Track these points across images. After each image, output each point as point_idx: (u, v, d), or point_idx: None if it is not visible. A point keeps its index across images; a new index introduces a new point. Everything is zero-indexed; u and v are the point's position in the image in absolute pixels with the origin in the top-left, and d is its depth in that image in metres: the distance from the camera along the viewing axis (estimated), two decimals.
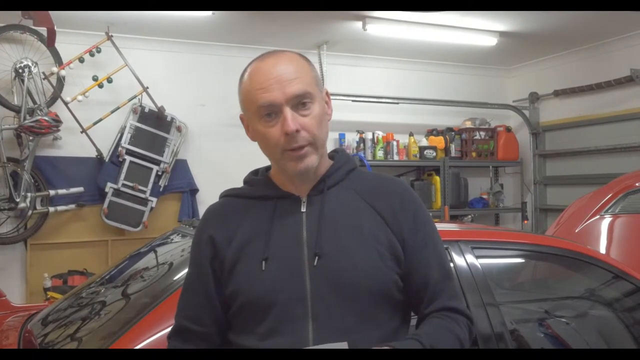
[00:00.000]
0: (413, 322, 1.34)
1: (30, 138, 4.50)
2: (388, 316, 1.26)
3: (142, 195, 4.90)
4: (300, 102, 1.23)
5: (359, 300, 1.22)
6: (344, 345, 1.15)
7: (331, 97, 1.36)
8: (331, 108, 1.34)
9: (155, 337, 1.65)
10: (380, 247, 1.25)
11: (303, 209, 1.29)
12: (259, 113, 1.24)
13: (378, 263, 1.24)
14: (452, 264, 1.95)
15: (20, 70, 4.53)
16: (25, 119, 4.42)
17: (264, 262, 1.24)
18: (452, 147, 6.09)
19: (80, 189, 4.79)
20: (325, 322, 1.20)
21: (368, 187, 1.34)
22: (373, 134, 5.74)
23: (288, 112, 1.21)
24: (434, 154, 5.91)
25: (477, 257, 2.04)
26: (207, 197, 5.13)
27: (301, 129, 1.22)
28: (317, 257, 1.23)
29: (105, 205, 4.78)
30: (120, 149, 4.84)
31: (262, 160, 1.41)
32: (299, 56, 1.31)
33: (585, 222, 3.71)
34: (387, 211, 1.30)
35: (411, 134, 5.92)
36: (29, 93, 4.53)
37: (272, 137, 1.24)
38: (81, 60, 4.71)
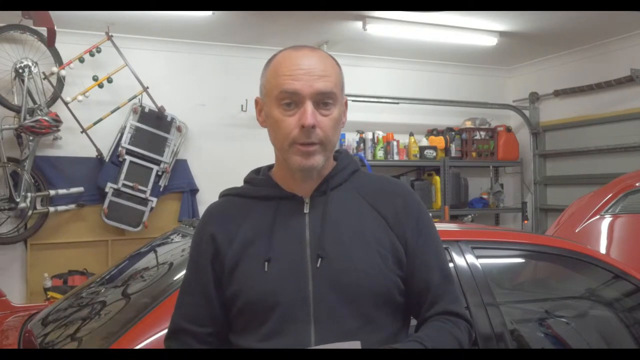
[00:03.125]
0: (412, 324, 1.34)
1: (31, 138, 4.50)
2: (389, 319, 1.25)
3: (142, 195, 4.90)
4: (323, 100, 1.23)
5: (360, 303, 1.22)
6: (356, 344, 1.14)
7: None
8: (346, 117, 1.34)
9: (156, 337, 1.65)
10: (383, 250, 1.25)
11: (306, 210, 1.28)
12: (279, 98, 1.23)
13: (380, 265, 1.24)
14: (452, 264, 1.95)
15: (20, 70, 4.53)
16: (25, 119, 4.42)
17: (266, 263, 1.23)
18: (453, 147, 6.09)
19: (81, 189, 4.79)
20: (327, 324, 1.20)
21: (371, 189, 1.33)
22: (373, 134, 5.74)
23: (309, 105, 1.21)
24: (434, 154, 5.91)
25: (477, 257, 2.04)
26: (207, 197, 5.13)
27: (317, 126, 1.22)
28: (319, 259, 1.22)
29: (106, 205, 4.78)
30: (120, 149, 4.84)
31: (263, 160, 1.40)
32: (332, 59, 1.31)
33: (586, 222, 3.70)
34: (389, 213, 1.29)
35: (411, 134, 5.92)
36: (29, 93, 4.54)
37: (286, 126, 1.23)
38: (81, 60, 4.72)
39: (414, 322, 1.34)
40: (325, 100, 1.23)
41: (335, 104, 1.25)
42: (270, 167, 1.39)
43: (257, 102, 1.33)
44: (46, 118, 4.40)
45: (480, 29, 5.12)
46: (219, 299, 1.29)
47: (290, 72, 1.22)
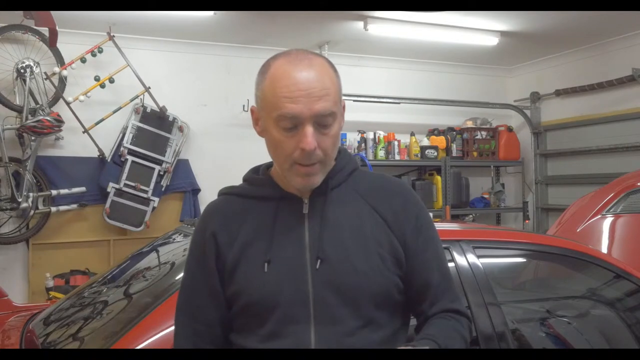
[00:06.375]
0: (412, 323, 1.35)
1: (33, 138, 4.51)
2: (388, 318, 1.26)
3: (144, 195, 4.91)
4: (323, 122, 1.19)
5: (360, 303, 1.22)
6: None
7: None
8: (344, 120, 1.30)
9: (157, 336, 1.66)
10: (382, 250, 1.25)
11: (305, 211, 1.28)
12: (278, 120, 1.19)
13: (380, 266, 1.24)
14: (453, 264, 1.95)
15: (22, 71, 4.53)
16: (27, 119, 4.43)
17: (266, 264, 1.23)
18: (454, 146, 6.09)
19: (83, 188, 4.79)
20: (327, 324, 1.20)
21: (370, 188, 1.33)
22: (374, 133, 5.74)
23: (309, 129, 1.17)
24: (435, 153, 5.91)
25: (479, 256, 2.04)
26: (209, 197, 5.09)
27: (318, 147, 1.19)
28: (319, 260, 1.22)
29: (107, 205, 4.78)
30: (122, 148, 4.85)
31: (263, 160, 1.39)
32: (330, 66, 1.24)
33: (587, 221, 3.70)
34: (388, 213, 1.29)
35: (412, 134, 5.92)
36: (31, 93, 4.54)
37: (286, 147, 1.20)
38: (83, 60, 4.72)
39: (413, 321, 1.34)
40: (326, 121, 1.19)
41: (336, 120, 1.22)
42: (269, 165, 1.37)
43: (252, 111, 1.29)
44: (48, 118, 4.41)
45: (481, 29, 5.12)
46: (225, 297, 1.29)
47: (289, 94, 1.16)
